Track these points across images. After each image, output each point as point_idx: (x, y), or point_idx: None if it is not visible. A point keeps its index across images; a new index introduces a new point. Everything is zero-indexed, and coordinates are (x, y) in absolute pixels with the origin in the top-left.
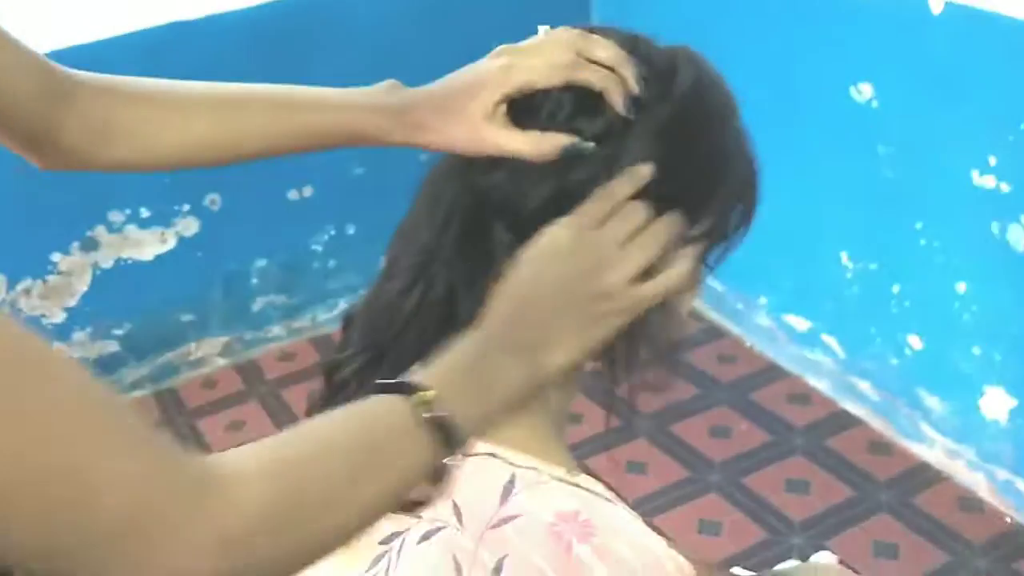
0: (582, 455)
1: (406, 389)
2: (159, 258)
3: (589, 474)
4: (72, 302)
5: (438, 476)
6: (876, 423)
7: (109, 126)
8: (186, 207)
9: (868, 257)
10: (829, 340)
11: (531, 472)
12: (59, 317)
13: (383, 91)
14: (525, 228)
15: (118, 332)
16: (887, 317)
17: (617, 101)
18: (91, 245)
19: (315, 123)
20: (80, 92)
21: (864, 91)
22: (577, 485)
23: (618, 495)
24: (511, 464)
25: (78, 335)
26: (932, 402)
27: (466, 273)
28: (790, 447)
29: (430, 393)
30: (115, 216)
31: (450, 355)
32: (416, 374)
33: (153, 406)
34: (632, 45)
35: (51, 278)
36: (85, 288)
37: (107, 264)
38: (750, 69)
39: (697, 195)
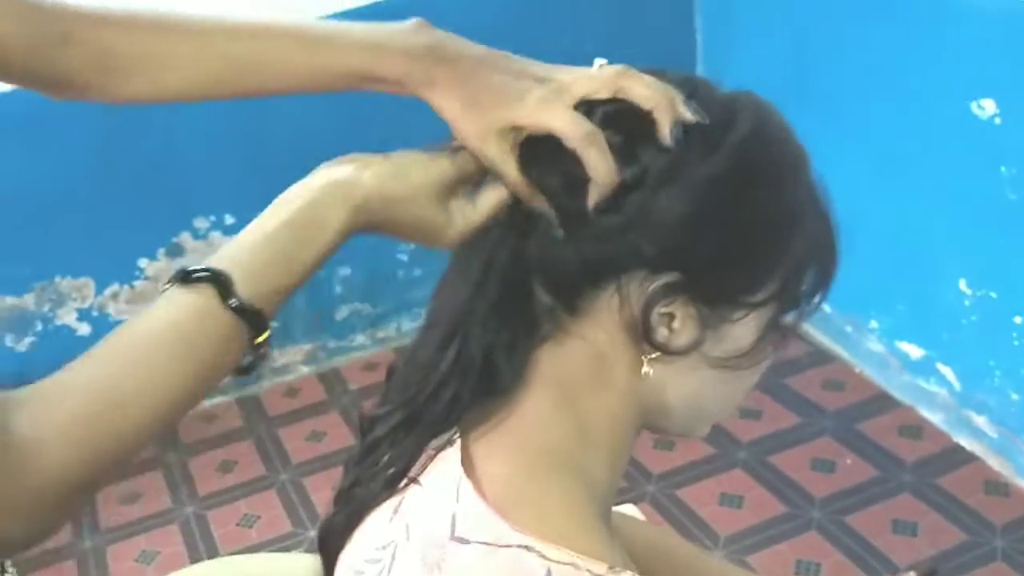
0: (673, 485)
1: (209, 279)
2: None
3: (679, 506)
4: None
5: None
6: (993, 461)
7: (113, 58)
8: None
9: (988, 285)
10: (945, 370)
11: (568, 568)
12: None
13: (410, 30)
14: (566, 289)
15: None
16: (1008, 349)
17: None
18: (177, 251)
19: (337, 62)
20: (76, 29)
21: (987, 107)
22: None
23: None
24: (546, 559)
25: None
26: None
27: (504, 337)
28: (898, 484)
29: (231, 279)
30: (200, 223)
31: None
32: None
33: (236, 412)
34: (690, 90)
35: (138, 283)
36: None
37: None
38: (864, 82)
39: (757, 256)
